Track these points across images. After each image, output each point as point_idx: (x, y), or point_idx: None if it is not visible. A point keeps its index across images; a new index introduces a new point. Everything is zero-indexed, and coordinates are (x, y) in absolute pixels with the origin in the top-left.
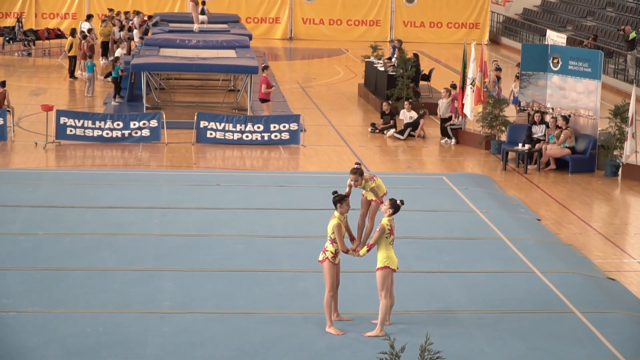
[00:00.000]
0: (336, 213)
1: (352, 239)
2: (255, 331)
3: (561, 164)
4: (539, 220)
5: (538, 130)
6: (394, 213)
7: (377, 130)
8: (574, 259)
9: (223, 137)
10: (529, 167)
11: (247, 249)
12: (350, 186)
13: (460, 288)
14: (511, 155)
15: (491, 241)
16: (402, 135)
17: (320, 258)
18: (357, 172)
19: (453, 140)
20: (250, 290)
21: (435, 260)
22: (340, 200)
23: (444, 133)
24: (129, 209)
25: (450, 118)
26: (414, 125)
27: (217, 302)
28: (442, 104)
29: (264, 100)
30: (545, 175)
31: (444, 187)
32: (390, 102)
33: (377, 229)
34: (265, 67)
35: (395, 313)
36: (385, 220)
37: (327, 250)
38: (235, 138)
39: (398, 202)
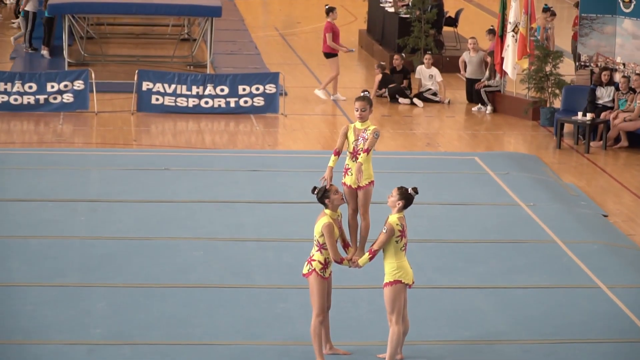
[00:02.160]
0: (327, 210)
1: (346, 246)
2: None
3: (635, 140)
4: (605, 216)
5: (604, 94)
6: (405, 207)
7: (386, 94)
8: None
9: (174, 104)
10: (591, 144)
11: (207, 257)
12: (343, 135)
13: (499, 309)
14: (568, 128)
15: (541, 245)
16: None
17: (305, 271)
18: (366, 99)
19: (489, 108)
20: (211, 313)
21: (464, 271)
22: (325, 194)
23: (477, 98)
24: (45, 203)
25: (480, 79)
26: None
27: (167, 329)
28: (471, 59)
29: (330, 55)
30: (613, 155)
31: (476, 171)
32: (404, 54)
33: (384, 230)
34: (330, 10)
35: (408, 343)
36: (394, 218)
37: (314, 260)
38: (191, 105)
39: (410, 191)
